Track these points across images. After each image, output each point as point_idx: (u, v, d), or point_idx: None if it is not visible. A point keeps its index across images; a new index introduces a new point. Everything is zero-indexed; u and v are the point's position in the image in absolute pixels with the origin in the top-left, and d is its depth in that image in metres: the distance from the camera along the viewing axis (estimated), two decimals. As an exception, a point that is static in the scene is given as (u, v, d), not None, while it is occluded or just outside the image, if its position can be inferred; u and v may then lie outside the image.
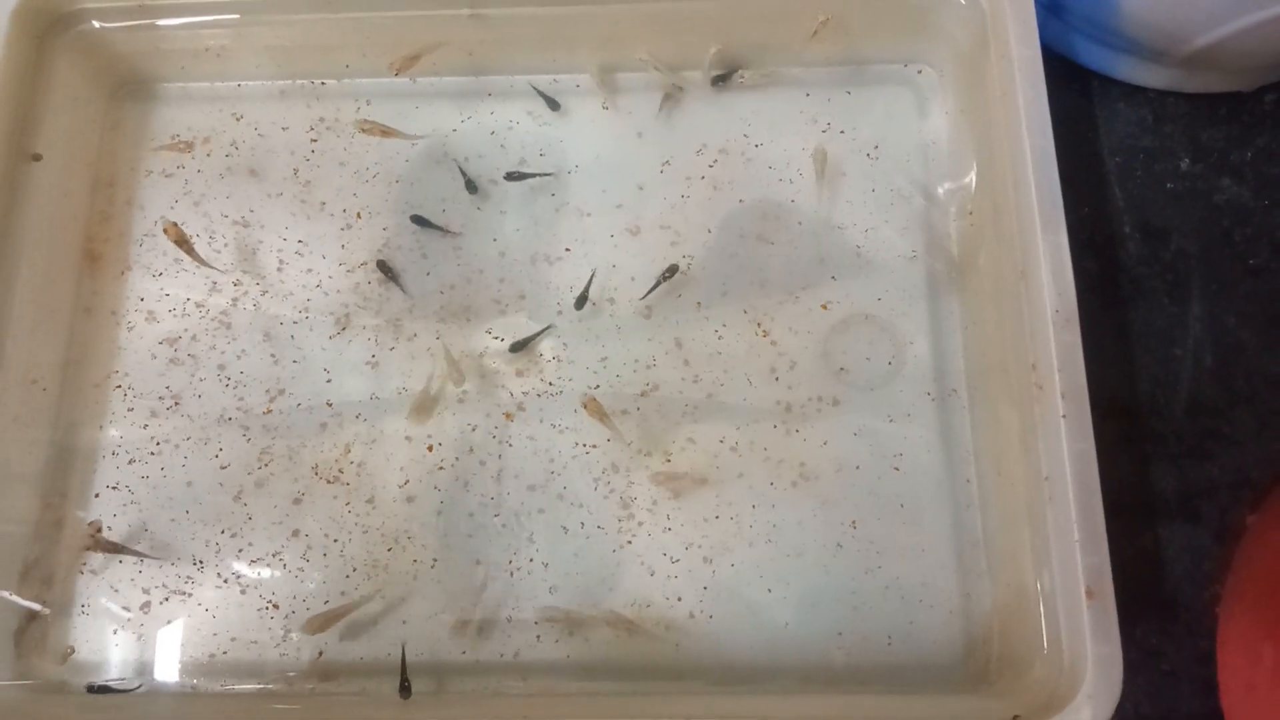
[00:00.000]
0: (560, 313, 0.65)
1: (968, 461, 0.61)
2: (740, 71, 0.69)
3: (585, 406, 0.62)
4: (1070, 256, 0.55)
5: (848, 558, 0.60)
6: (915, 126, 0.68)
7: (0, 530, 0.61)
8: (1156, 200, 0.68)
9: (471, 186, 0.67)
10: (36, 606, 0.60)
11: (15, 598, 0.60)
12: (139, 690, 0.59)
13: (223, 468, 0.63)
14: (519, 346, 0.64)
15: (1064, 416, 0.52)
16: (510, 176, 0.67)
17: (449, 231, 0.67)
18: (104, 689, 0.58)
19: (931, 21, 0.65)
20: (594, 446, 0.62)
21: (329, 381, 0.64)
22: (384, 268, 0.66)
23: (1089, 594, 0.50)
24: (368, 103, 0.71)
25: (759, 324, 0.64)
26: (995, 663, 0.57)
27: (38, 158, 0.64)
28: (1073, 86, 0.70)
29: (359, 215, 0.68)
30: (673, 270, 0.65)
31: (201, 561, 0.61)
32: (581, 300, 0.64)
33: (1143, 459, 0.63)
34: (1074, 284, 0.54)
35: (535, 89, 0.69)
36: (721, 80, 0.69)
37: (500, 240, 0.67)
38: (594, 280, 0.65)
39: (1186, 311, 0.66)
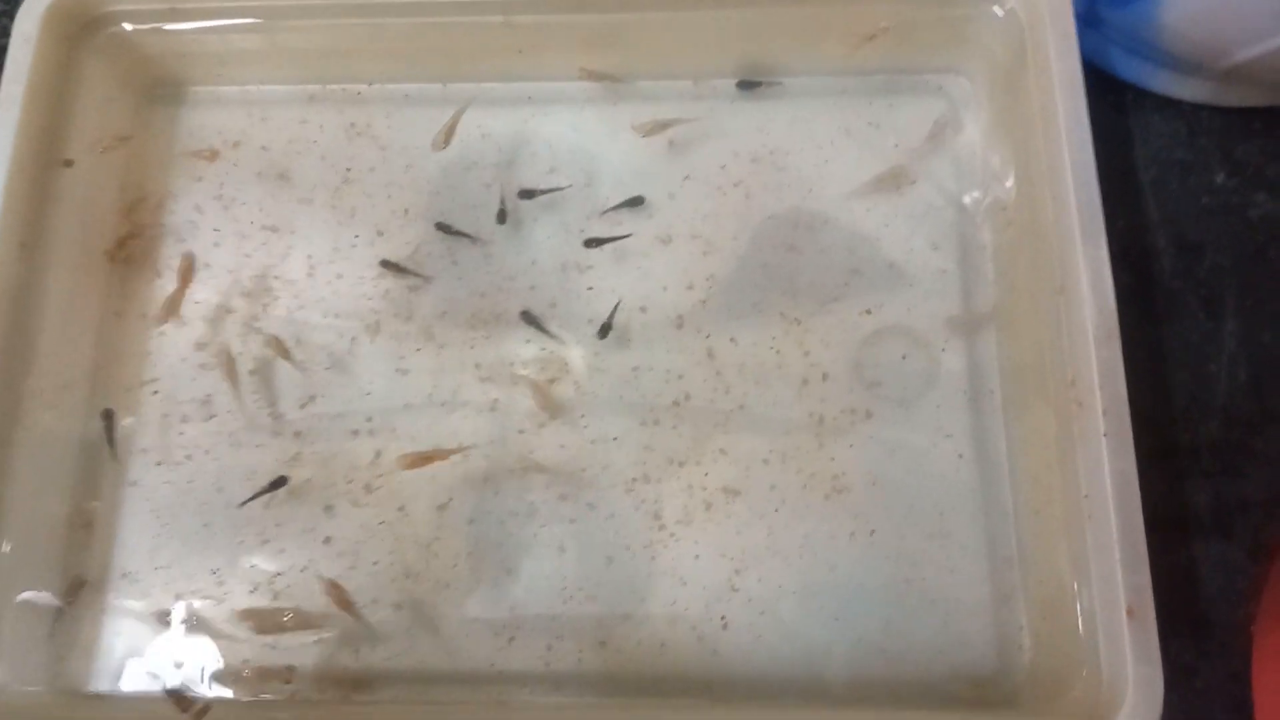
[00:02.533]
0: (590, 321, 0.65)
1: (1002, 477, 0.61)
2: (772, 79, 0.69)
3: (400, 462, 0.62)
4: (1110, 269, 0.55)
5: (880, 571, 0.60)
6: (949, 137, 0.67)
7: (31, 534, 0.60)
8: (1191, 214, 0.67)
9: (502, 216, 0.67)
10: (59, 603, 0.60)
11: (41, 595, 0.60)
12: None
13: (253, 475, 0.62)
14: (606, 330, 0.64)
15: (1105, 434, 0.52)
16: (524, 195, 0.67)
17: (477, 238, 0.66)
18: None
19: (968, 32, 0.65)
20: (625, 456, 0.62)
21: (359, 388, 0.64)
22: (389, 265, 0.66)
23: (1130, 613, 0.49)
24: (399, 109, 0.70)
25: (791, 335, 0.64)
26: (1030, 680, 0.57)
27: (69, 163, 0.64)
28: (1106, 98, 0.70)
29: (394, 217, 0.68)
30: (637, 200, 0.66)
31: (232, 569, 0.61)
32: (605, 329, 0.64)
33: (1176, 474, 0.63)
34: (1115, 298, 0.54)
35: None
36: (750, 87, 0.69)
37: (531, 248, 0.66)
38: (625, 290, 0.65)
39: (1221, 327, 0.65)
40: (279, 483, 0.62)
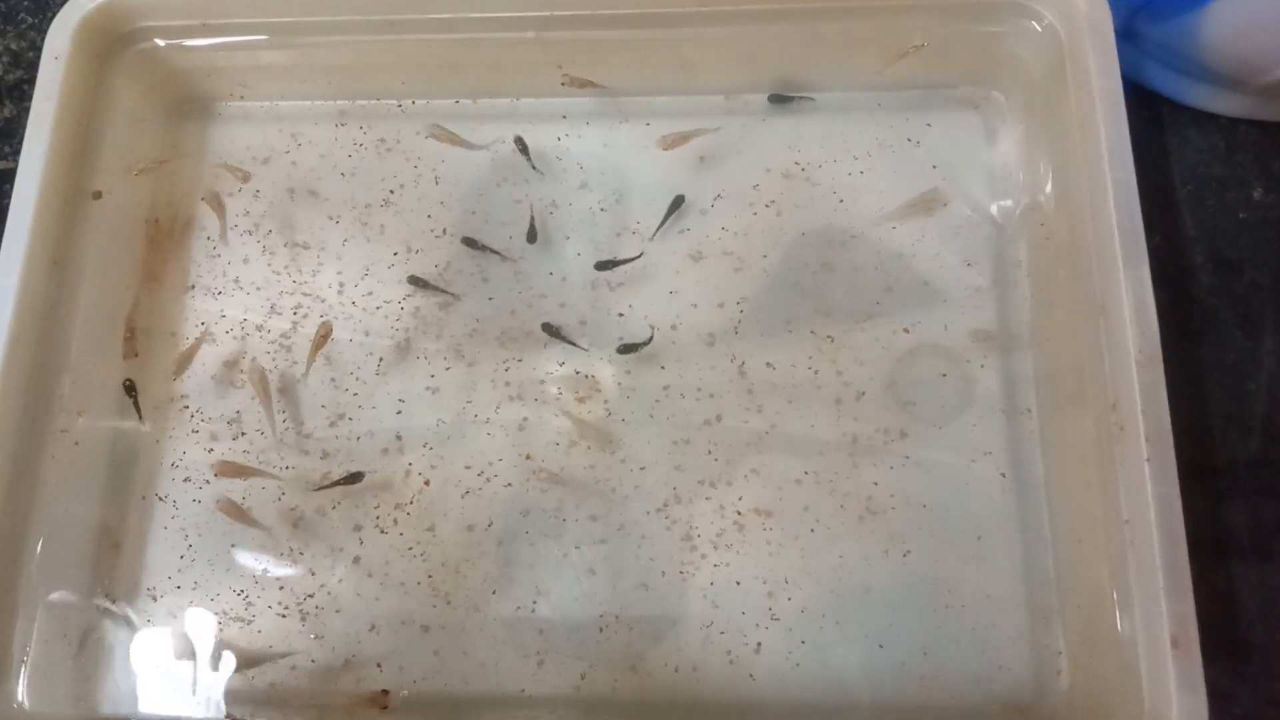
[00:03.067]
0: (621, 339, 0.64)
1: (1040, 499, 0.60)
2: (804, 94, 0.68)
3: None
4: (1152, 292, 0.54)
5: (915, 595, 0.59)
6: (984, 153, 0.67)
7: (59, 552, 0.60)
8: (1229, 230, 0.67)
9: (533, 235, 0.66)
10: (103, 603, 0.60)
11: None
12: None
13: (283, 494, 0.62)
14: (627, 349, 0.63)
15: (1148, 459, 0.51)
16: (601, 266, 0.66)
17: (505, 255, 0.66)
18: None
19: (1004, 48, 0.64)
20: (656, 477, 0.61)
21: (390, 407, 0.64)
22: (417, 282, 0.66)
23: (1175, 643, 0.49)
24: (430, 125, 0.70)
25: (825, 354, 0.63)
26: (1068, 707, 0.56)
27: (98, 195, 0.64)
28: (1142, 112, 0.69)
29: (425, 234, 0.67)
30: (678, 202, 0.66)
31: (261, 589, 0.61)
32: (627, 348, 0.63)
33: (1215, 495, 0.62)
34: (1157, 321, 0.53)
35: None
36: (782, 101, 0.68)
37: (561, 265, 0.66)
38: (656, 307, 0.65)
39: (1259, 345, 0.64)
40: (355, 477, 0.61)
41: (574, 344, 0.64)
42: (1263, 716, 0.58)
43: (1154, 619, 0.50)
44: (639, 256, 0.65)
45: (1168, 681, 0.48)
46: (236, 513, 0.61)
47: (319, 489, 0.62)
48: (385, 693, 0.58)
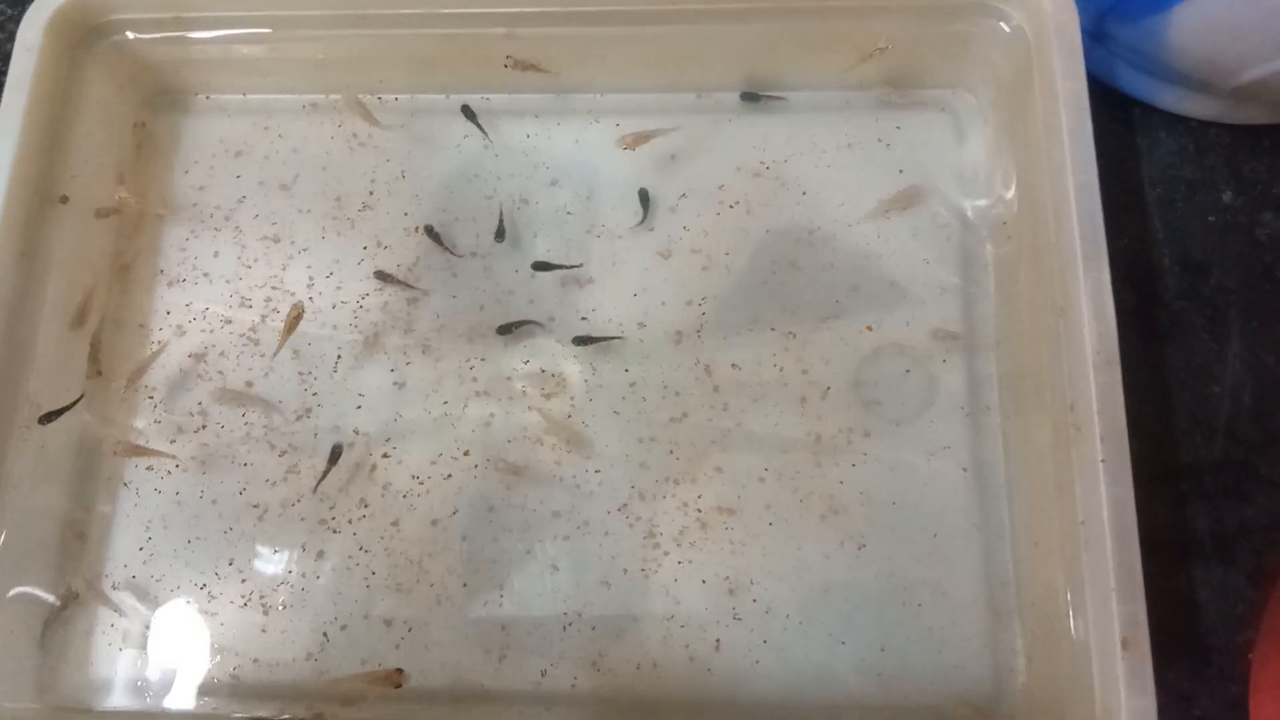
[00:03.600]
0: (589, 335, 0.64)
1: (1000, 499, 0.60)
2: (774, 94, 0.68)
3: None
4: (1112, 294, 0.54)
5: (875, 594, 0.59)
6: (953, 153, 0.67)
7: (23, 544, 0.60)
8: (1197, 233, 0.67)
9: (501, 234, 0.66)
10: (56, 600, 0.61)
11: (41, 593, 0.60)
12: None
13: (246, 487, 0.62)
14: (584, 341, 0.64)
15: (1103, 461, 0.51)
16: (538, 267, 0.66)
17: (475, 251, 0.67)
18: None
19: (973, 48, 0.64)
20: (621, 474, 0.62)
21: (355, 402, 0.64)
22: (384, 276, 0.66)
23: (1124, 644, 0.49)
24: (402, 120, 0.70)
25: (790, 352, 0.63)
26: (1026, 705, 0.56)
27: (64, 200, 0.64)
28: (1113, 114, 0.69)
29: (395, 229, 0.68)
30: (643, 196, 0.67)
31: (224, 581, 0.61)
32: (583, 339, 0.64)
33: (1177, 498, 0.62)
34: (1115, 323, 0.53)
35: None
36: (753, 99, 0.68)
37: (530, 262, 0.66)
38: (623, 304, 0.65)
39: (1226, 348, 0.64)
40: (336, 452, 0.62)
41: (532, 320, 0.64)
42: (1221, 719, 0.59)
43: (1105, 620, 0.50)
44: (579, 266, 0.66)
45: (1118, 683, 0.49)
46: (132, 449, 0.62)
47: (316, 487, 0.62)
48: (400, 671, 0.58)
